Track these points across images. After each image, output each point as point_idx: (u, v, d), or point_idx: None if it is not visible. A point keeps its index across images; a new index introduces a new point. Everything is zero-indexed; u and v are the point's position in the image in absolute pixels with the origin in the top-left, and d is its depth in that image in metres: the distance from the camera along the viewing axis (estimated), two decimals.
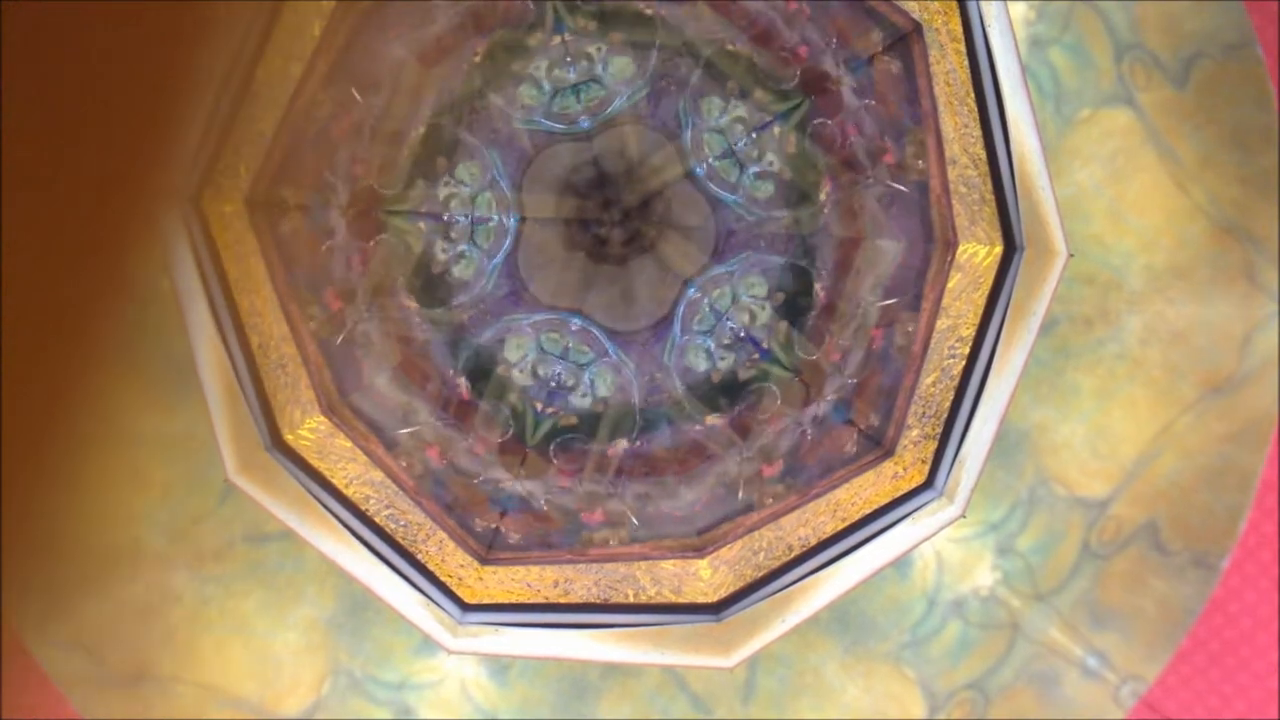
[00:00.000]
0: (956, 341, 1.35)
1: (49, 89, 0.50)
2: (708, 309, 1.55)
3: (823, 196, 1.52)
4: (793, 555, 1.37)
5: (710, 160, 1.53)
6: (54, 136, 0.51)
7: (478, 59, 1.50)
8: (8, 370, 0.51)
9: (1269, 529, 1.81)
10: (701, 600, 1.37)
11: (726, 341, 1.56)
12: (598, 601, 1.38)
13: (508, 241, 1.54)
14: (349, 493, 1.37)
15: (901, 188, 1.44)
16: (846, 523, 1.36)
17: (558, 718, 1.53)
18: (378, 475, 1.40)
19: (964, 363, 1.34)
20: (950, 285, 1.37)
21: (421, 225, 1.51)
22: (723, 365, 1.55)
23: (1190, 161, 1.55)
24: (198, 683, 1.50)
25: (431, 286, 1.54)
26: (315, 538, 1.34)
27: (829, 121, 1.51)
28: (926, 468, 1.36)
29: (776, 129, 1.53)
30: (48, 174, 0.51)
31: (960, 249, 1.36)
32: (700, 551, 1.40)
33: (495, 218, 1.53)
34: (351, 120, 1.45)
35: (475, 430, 1.52)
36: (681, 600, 1.37)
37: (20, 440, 0.54)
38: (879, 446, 1.42)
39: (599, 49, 1.52)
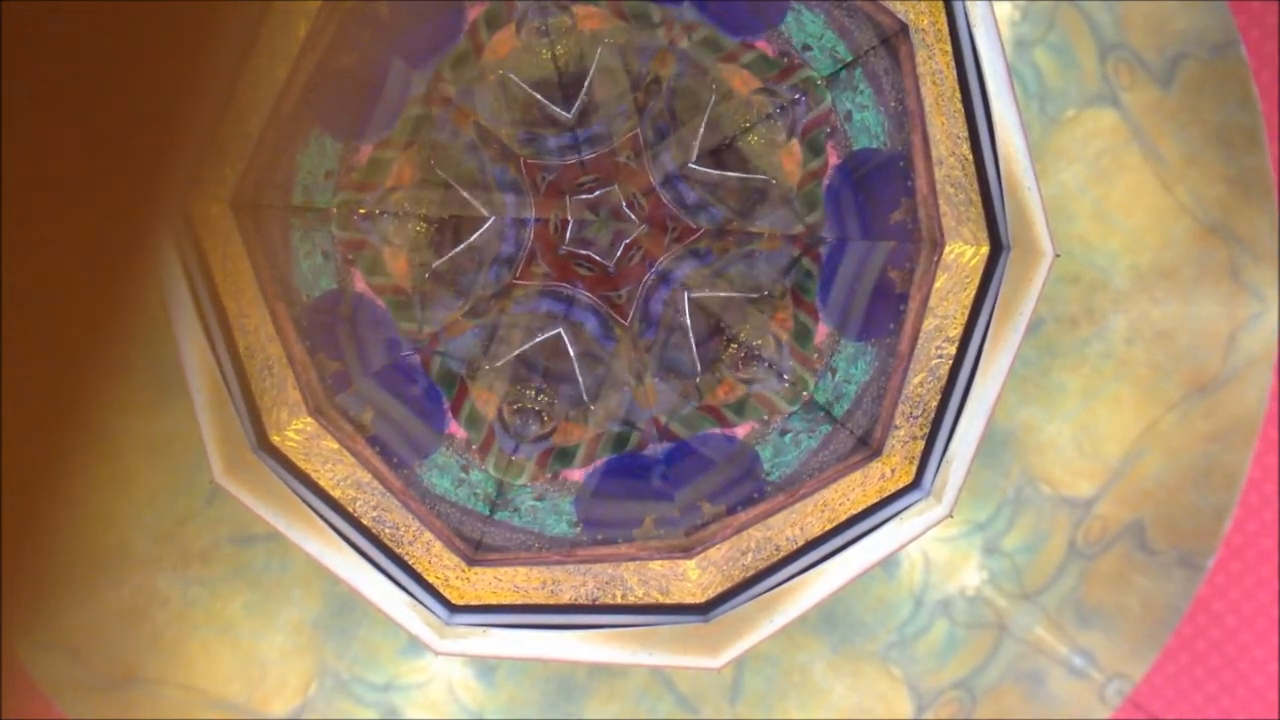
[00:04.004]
0: (943, 341, 1.36)
1: (47, 90, 0.50)
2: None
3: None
4: (780, 556, 1.37)
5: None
6: (51, 138, 0.50)
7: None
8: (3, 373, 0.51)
9: (1254, 527, 1.82)
10: (689, 601, 1.37)
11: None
12: (585, 602, 1.38)
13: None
14: (336, 494, 1.37)
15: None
16: (834, 523, 1.37)
17: (545, 718, 1.53)
18: (364, 476, 1.40)
19: (951, 363, 1.35)
20: (937, 285, 1.37)
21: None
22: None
23: (1175, 161, 1.56)
24: (184, 685, 1.50)
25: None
26: (302, 539, 1.34)
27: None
28: (914, 468, 1.36)
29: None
30: (44, 177, 0.51)
31: (947, 249, 1.36)
32: (688, 552, 1.40)
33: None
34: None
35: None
36: (669, 601, 1.37)
37: (11, 443, 0.54)
38: (866, 446, 1.42)
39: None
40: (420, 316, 1.51)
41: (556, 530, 1.46)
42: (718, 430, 1.52)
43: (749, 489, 1.46)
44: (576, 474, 1.51)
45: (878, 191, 1.46)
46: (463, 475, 1.48)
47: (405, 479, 1.43)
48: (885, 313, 1.45)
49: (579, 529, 1.46)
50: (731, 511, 1.44)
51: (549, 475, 1.51)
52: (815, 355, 1.51)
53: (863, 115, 1.46)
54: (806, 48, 1.47)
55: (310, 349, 1.40)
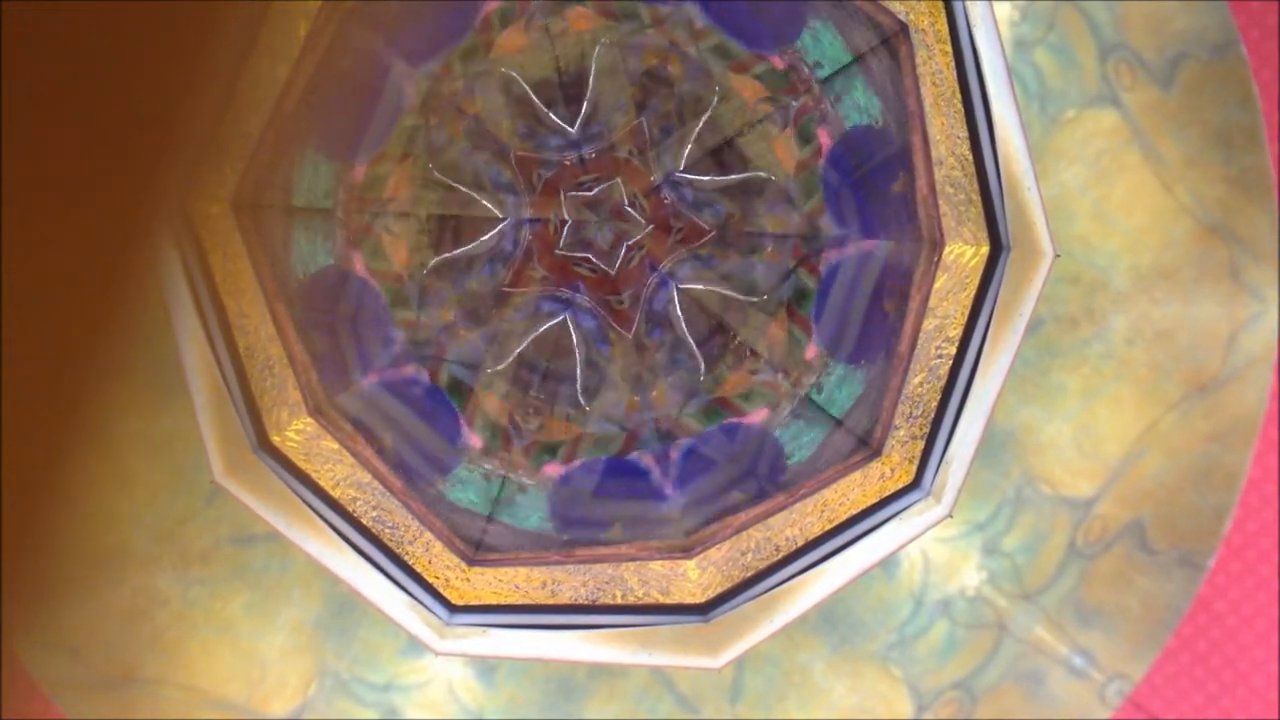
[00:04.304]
0: (943, 342, 1.36)
1: (47, 90, 0.50)
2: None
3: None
4: (780, 556, 1.37)
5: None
6: (51, 138, 0.50)
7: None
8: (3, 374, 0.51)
9: (1254, 527, 1.82)
10: (689, 601, 1.37)
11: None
12: (585, 602, 1.38)
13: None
14: (336, 494, 1.37)
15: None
16: (834, 523, 1.37)
17: (545, 718, 1.53)
18: (364, 476, 1.40)
19: (951, 363, 1.35)
20: (937, 286, 1.37)
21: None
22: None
23: (1175, 162, 1.56)
24: (184, 685, 1.50)
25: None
26: (302, 539, 1.34)
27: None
28: (914, 468, 1.36)
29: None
30: (44, 177, 0.51)
31: (947, 250, 1.36)
32: (688, 552, 1.40)
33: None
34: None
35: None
36: (669, 601, 1.37)
37: (11, 443, 0.54)
38: (866, 446, 1.42)
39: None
40: (419, 313, 1.51)
41: (528, 525, 1.46)
42: (731, 421, 1.52)
43: (770, 475, 1.46)
44: (559, 469, 1.52)
45: (878, 188, 1.46)
46: (484, 484, 1.49)
47: (406, 480, 1.43)
48: (878, 338, 1.45)
49: (552, 524, 1.46)
50: (759, 498, 1.44)
51: (534, 469, 1.51)
52: (805, 370, 1.52)
53: (854, 96, 1.46)
54: (819, 64, 1.48)
55: (305, 338, 1.40)
